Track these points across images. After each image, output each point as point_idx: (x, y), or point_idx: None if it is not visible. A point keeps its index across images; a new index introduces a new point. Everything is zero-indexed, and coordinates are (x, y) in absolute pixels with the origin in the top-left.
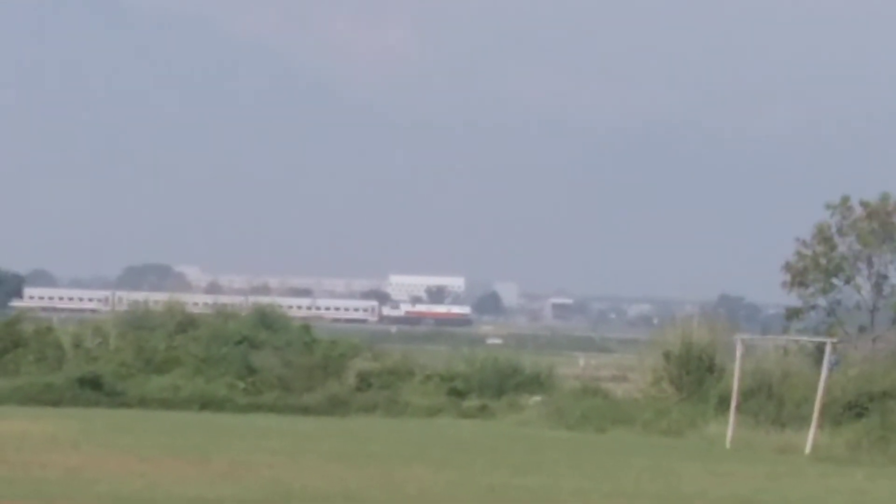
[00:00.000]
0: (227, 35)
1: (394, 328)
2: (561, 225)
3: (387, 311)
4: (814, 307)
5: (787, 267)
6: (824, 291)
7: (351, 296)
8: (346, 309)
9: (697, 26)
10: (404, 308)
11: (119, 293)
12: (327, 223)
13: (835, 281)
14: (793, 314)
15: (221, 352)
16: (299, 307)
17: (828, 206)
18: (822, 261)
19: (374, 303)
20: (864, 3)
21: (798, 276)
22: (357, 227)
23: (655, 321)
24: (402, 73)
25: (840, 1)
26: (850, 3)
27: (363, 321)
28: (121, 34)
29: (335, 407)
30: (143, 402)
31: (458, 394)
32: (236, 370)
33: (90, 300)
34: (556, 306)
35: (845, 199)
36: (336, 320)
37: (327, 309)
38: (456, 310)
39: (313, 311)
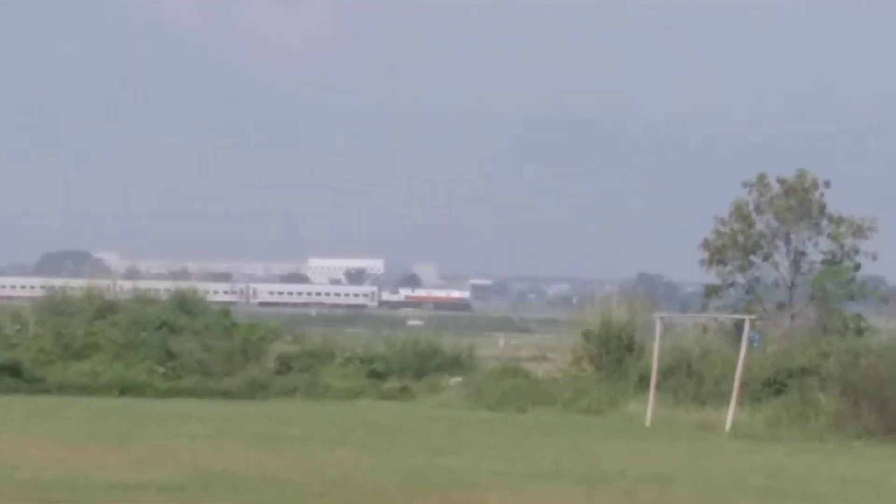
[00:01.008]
0: (142, 18)
1: (314, 311)
2: (479, 205)
3: (387, 295)
4: (732, 285)
5: (706, 245)
6: (742, 269)
7: (270, 279)
8: (347, 294)
9: (607, 9)
10: (404, 293)
11: (36, 279)
12: (245, 207)
13: (753, 258)
14: (711, 292)
15: (140, 337)
16: (290, 293)
17: (745, 184)
18: (740, 238)
19: (374, 288)
20: None
21: (716, 254)
22: (275, 211)
23: (575, 301)
24: (318, 56)
25: None
26: None
27: (363, 306)
28: (36, 15)
29: (255, 390)
30: (63, 389)
31: (378, 376)
32: (156, 355)
33: (8, 287)
34: (475, 287)
35: (762, 177)
36: (336, 306)
37: (327, 294)
38: (456, 294)
39: (321, 298)
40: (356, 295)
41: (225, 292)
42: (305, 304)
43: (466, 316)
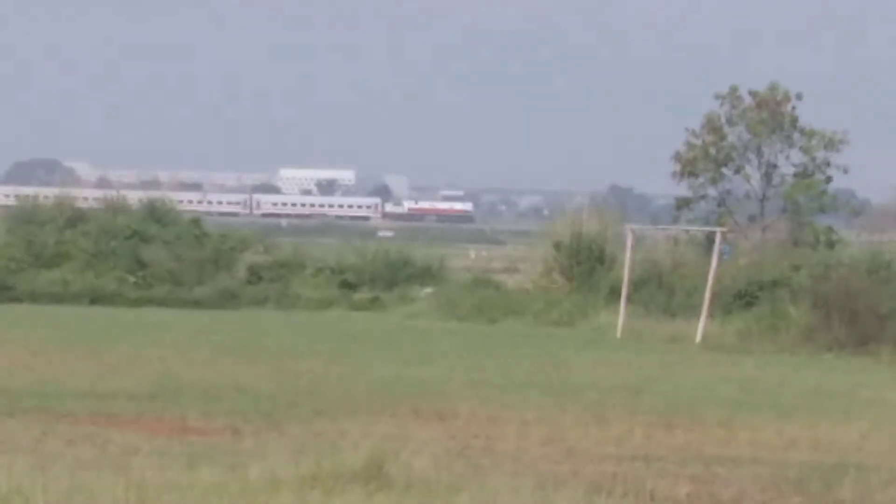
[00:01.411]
0: None
1: (284, 222)
2: (450, 116)
3: (390, 207)
4: (703, 197)
5: (677, 157)
6: (714, 181)
7: (241, 190)
8: (350, 206)
9: None
10: (407, 205)
11: (7, 188)
12: (216, 115)
13: (724, 171)
14: (682, 204)
15: (111, 246)
16: (292, 204)
17: (717, 96)
18: (712, 150)
19: (377, 199)
20: None
21: (688, 167)
22: (246, 120)
23: (546, 213)
24: None
25: None
26: None
27: (366, 218)
28: None
29: (226, 300)
30: (34, 297)
31: (349, 286)
32: (126, 264)
33: None
34: (446, 198)
35: (734, 89)
36: (340, 217)
37: (331, 206)
38: (458, 206)
39: (325, 209)
40: (359, 207)
41: (229, 203)
42: (308, 216)
43: (438, 227)
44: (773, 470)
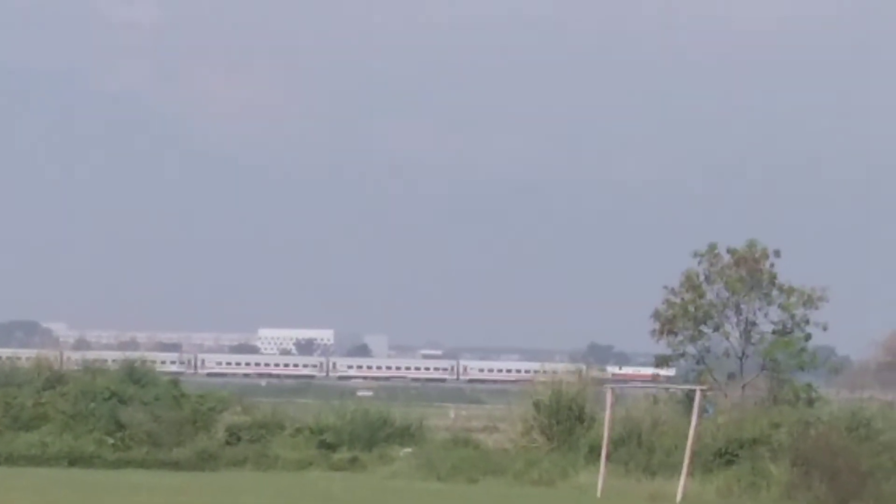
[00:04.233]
0: (98, 89)
1: (264, 382)
2: (429, 277)
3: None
4: (683, 355)
5: (656, 315)
6: (693, 339)
7: (220, 350)
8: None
9: (559, 76)
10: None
11: None
12: (195, 277)
13: (703, 328)
14: (662, 362)
15: (90, 407)
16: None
17: (695, 254)
18: (691, 308)
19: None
20: (726, 54)
21: (667, 324)
22: (225, 281)
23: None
24: (268, 126)
25: (703, 51)
26: (713, 53)
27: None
28: None
29: (205, 461)
30: (11, 460)
31: (328, 447)
32: (105, 426)
33: None
34: (426, 357)
35: (713, 247)
36: (417, 379)
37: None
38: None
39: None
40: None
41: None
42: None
43: (416, 386)
44: None
